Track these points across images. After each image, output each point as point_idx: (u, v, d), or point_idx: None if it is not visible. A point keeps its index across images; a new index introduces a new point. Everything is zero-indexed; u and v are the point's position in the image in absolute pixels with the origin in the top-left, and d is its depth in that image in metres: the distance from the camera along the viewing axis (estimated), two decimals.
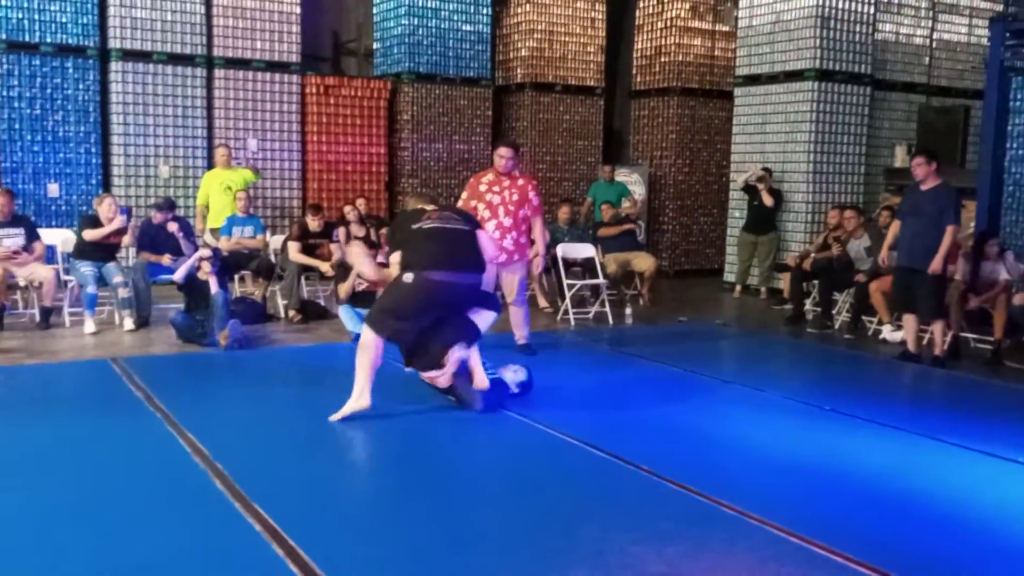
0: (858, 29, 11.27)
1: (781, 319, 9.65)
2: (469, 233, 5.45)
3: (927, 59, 12.34)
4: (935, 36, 12.38)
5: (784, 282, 10.28)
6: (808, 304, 9.74)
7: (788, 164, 11.27)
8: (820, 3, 10.92)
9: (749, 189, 11.21)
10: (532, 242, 7.32)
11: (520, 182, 7.19)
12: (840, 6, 11.10)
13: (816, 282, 9.59)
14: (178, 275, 7.55)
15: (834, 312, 9.40)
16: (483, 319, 5.48)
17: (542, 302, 9.75)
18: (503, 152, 7.14)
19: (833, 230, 9.77)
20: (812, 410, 5.90)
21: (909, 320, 7.68)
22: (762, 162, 11.43)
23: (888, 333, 8.57)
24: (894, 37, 12.02)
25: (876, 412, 5.79)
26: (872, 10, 11.40)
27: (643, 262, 10.29)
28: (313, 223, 8.98)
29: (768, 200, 10.95)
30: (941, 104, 12.09)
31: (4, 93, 10.40)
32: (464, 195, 7.30)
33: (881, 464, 4.84)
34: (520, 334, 7.39)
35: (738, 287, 11.49)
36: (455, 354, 5.32)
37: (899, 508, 4.18)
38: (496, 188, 7.12)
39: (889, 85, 11.97)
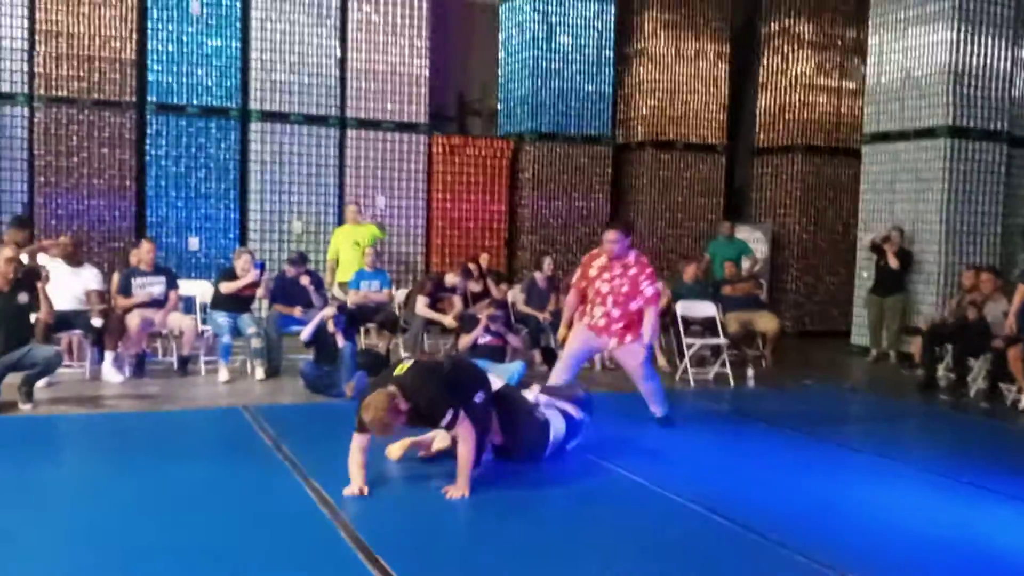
0: (993, 85, 10.93)
1: (912, 385, 9.29)
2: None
3: None
4: None
5: (915, 346, 9.91)
6: (941, 370, 9.35)
7: (919, 224, 10.94)
8: (953, 60, 10.65)
9: (876, 249, 10.90)
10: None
11: (633, 271, 6.56)
12: (974, 62, 10.80)
13: (950, 347, 9.20)
14: (305, 334, 7.84)
15: (969, 379, 8.99)
16: None
17: (660, 361, 9.64)
18: (610, 236, 6.56)
19: (968, 292, 9.40)
20: (947, 482, 5.64)
21: None
22: (892, 221, 11.13)
23: None
24: None
25: (1017, 487, 5.49)
26: (1008, 65, 11.04)
27: (766, 322, 10.10)
28: (453, 280, 9.21)
29: (893, 263, 10.61)
30: None
31: (152, 152, 11.07)
32: (577, 274, 6.91)
33: (1021, 542, 4.58)
34: (654, 409, 6.94)
35: (873, 351, 11.10)
36: None
37: None
38: (607, 275, 6.60)
39: None
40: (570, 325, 6.89)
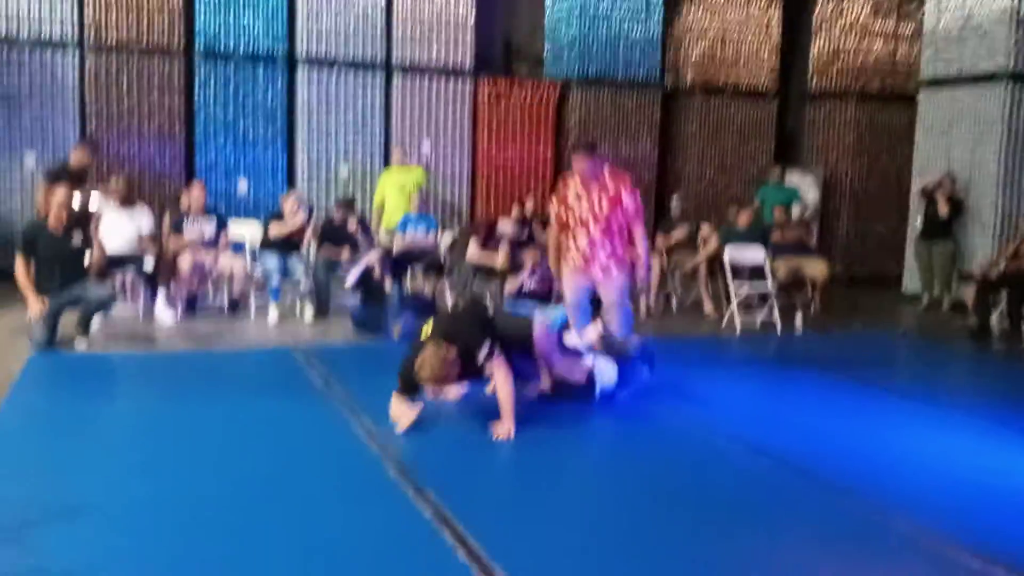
0: None
1: (964, 332, 9.14)
2: None
3: None
4: None
5: (968, 294, 9.72)
6: (995, 318, 9.18)
7: (976, 171, 10.67)
8: (1014, 2, 10.29)
9: (927, 195, 10.68)
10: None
11: (609, 186, 6.20)
12: None
13: (1004, 294, 9.02)
14: (350, 280, 7.90)
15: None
16: None
17: (708, 306, 9.60)
18: (578, 162, 6.18)
19: None
20: (996, 429, 5.57)
21: None
22: (947, 168, 10.87)
23: None
24: None
25: None
26: None
27: (815, 267, 9.95)
28: (508, 229, 9.20)
29: (943, 209, 10.38)
30: None
31: (200, 98, 11.15)
32: (555, 204, 6.42)
33: None
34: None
35: (925, 297, 10.91)
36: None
37: None
38: (583, 196, 6.22)
39: None
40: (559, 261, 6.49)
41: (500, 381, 5.07)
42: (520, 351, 5.49)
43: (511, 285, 8.42)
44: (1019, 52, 10.37)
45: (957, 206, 10.58)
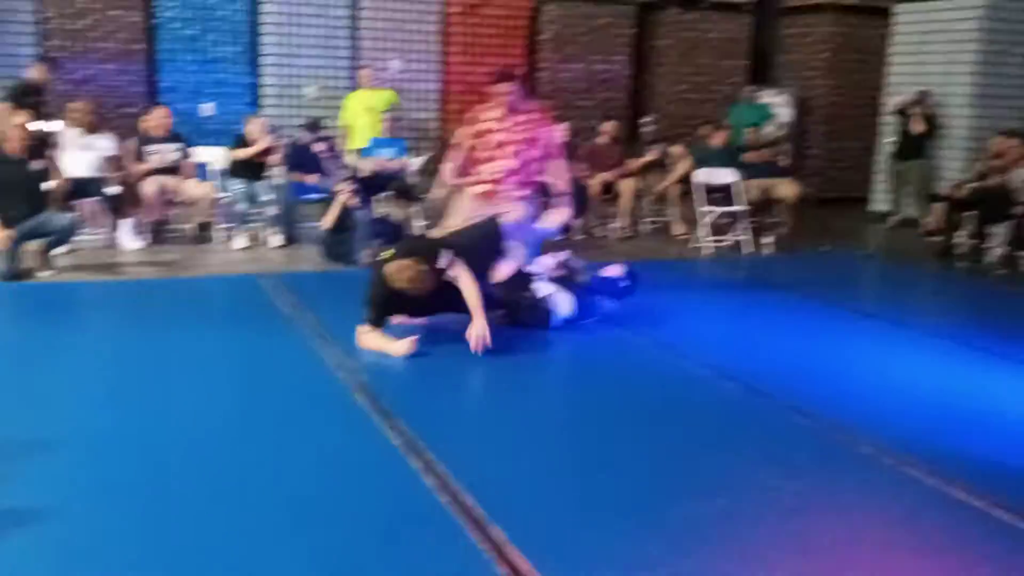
0: None
1: (930, 251, 9.22)
2: None
3: None
4: None
5: (936, 213, 9.78)
6: (962, 237, 9.25)
7: (949, 87, 10.62)
8: None
9: (901, 112, 10.64)
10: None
11: (529, 117, 6.07)
12: None
13: (971, 214, 9.07)
14: (326, 223, 7.65)
15: (989, 246, 8.90)
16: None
17: (678, 228, 9.60)
18: (503, 88, 5.99)
19: (994, 158, 9.19)
20: (959, 348, 5.66)
21: None
22: (921, 85, 10.81)
23: None
24: None
25: None
26: None
27: (786, 188, 9.94)
28: None
29: (917, 126, 10.35)
30: None
31: (161, 15, 10.82)
32: (461, 133, 6.31)
33: None
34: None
35: (893, 217, 10.95)
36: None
37: None
38: (499, 125, 6.06)
39: None
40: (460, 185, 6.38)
41: (465, 284, 5.18)
42: (481, 269, 5.51)
43: None
44: None
45: (932, 123, 10.54)
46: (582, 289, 5.88)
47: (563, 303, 5.71)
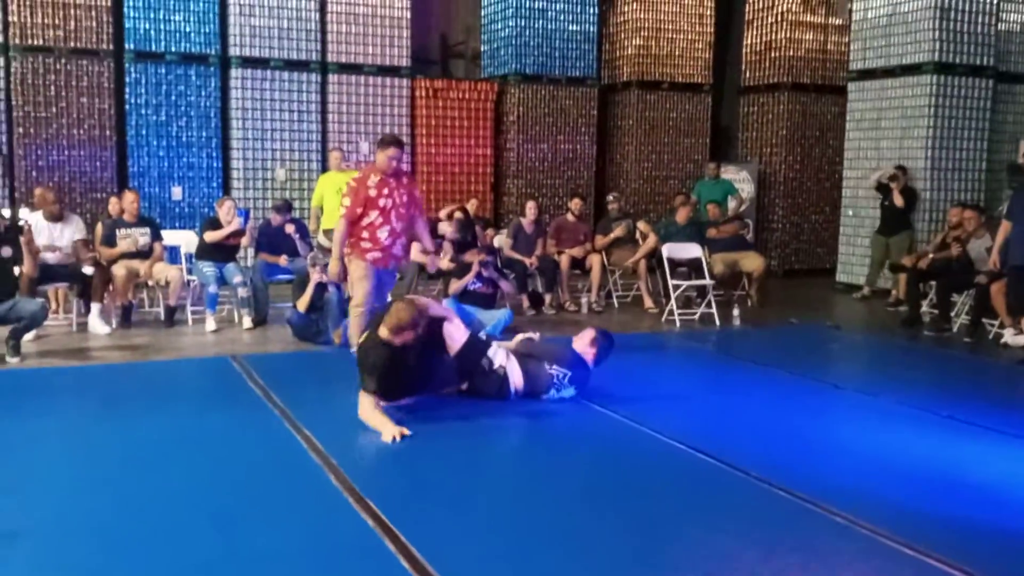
0: (980, 20, 10.86)
1: (896, 321, 9.37)
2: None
3: None
4: None
5: (900, 283, 9.96)
6: (925, 306, 9.43)
7: (905, 161, 10.92)
8: None
9: (881, 188, 10.80)
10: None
11: (405, 181, 6.71)
12: None
13: (933, 283, 9.27)
14: (303, 305, 7.65)
15: (953, 315, 9.08)
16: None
17: (647, 302, 9.71)
18: (394, 154, 6.49)
19: (953, 229, 9.44)
20: (928, 416, 5.72)
21: None
22: (878, 159, 11.11)
23: (1010, 337, 8.22)
24: (1018, 27, 11.55)
25: (997, 420, 5.58)
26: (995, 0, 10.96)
27: (751, 262, 10.14)
28: (448, 229, 9.19)
29: (898, 200, 10.50)
30: None
31: (132, 100, 10.94)
32: (347, 202, 6.54)
33: (1001, 472, 4.67)
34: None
35: (866, 289, 11.09)
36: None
37: (1021, 518, 4.04)
38: (385, 191, 6.51)
39: (1013, 77, 11.50)
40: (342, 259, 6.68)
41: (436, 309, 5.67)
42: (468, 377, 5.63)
43: (455, 286, 8.42)
44: (944, 43, 10.64)
45: (912, 196, 10.70)
46: (537, 367, 5.85)
47: (515, 376, 5.70)
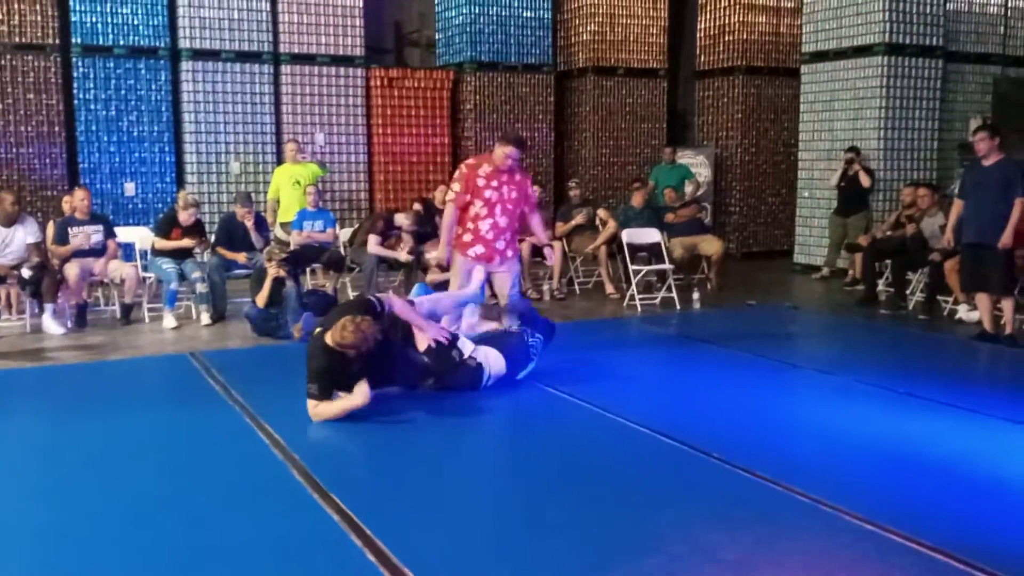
0: (929, 0, 10.97)
1: (853, 301, 9.49)
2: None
3: (1002, 29, 11.97)
4: (1010, 5, 12.01)
5: (856, 263, 10.08)
6: (881, 285, 9.56)
7: (858, 142, 11.04)
8: None
9: (845, 175, 10.72)
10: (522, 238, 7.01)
11: (518, 178, 6.46)
12: None
13: (889, 262, 9.40)
14: (261, 301, 7.59)
15: (908, 292, 9.21)
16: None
17: (608, 288, 9.74)
18: (511, 152, 6.28)
19: (907, 208, 9.56)
20: (886, 394, 5.80)
21: (983, 299, 7.51)
22: (831, 141, 11.22)
23: (964, 313, 8.37)
24: (967, 7, 11.71)
25: (953, 395, 5.67)
26: None
27: (710, 245, 10.20)
28: (405, 221, 9.14)
29: (866, 180, 10.49)
30: (1017, 75, 11.73)
31: (80, 96, 10.74)
32: (456, 187, 6.38)
33: (959, 449, 4.75)
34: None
35: (825, 269, 11.19)
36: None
37: (978, 493, 4.11)
38: (495, 183, 6.34)
39: (963, 57, 11.67)
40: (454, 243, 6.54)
41: (402, 311, 5.53)
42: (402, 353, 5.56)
43: (434, 276, 8.29)
44: (894, 24, 10.76)
45: (871, 177, 10.75)
46: (513, 339, 5.89)
47: (493, 360, 5.71)
